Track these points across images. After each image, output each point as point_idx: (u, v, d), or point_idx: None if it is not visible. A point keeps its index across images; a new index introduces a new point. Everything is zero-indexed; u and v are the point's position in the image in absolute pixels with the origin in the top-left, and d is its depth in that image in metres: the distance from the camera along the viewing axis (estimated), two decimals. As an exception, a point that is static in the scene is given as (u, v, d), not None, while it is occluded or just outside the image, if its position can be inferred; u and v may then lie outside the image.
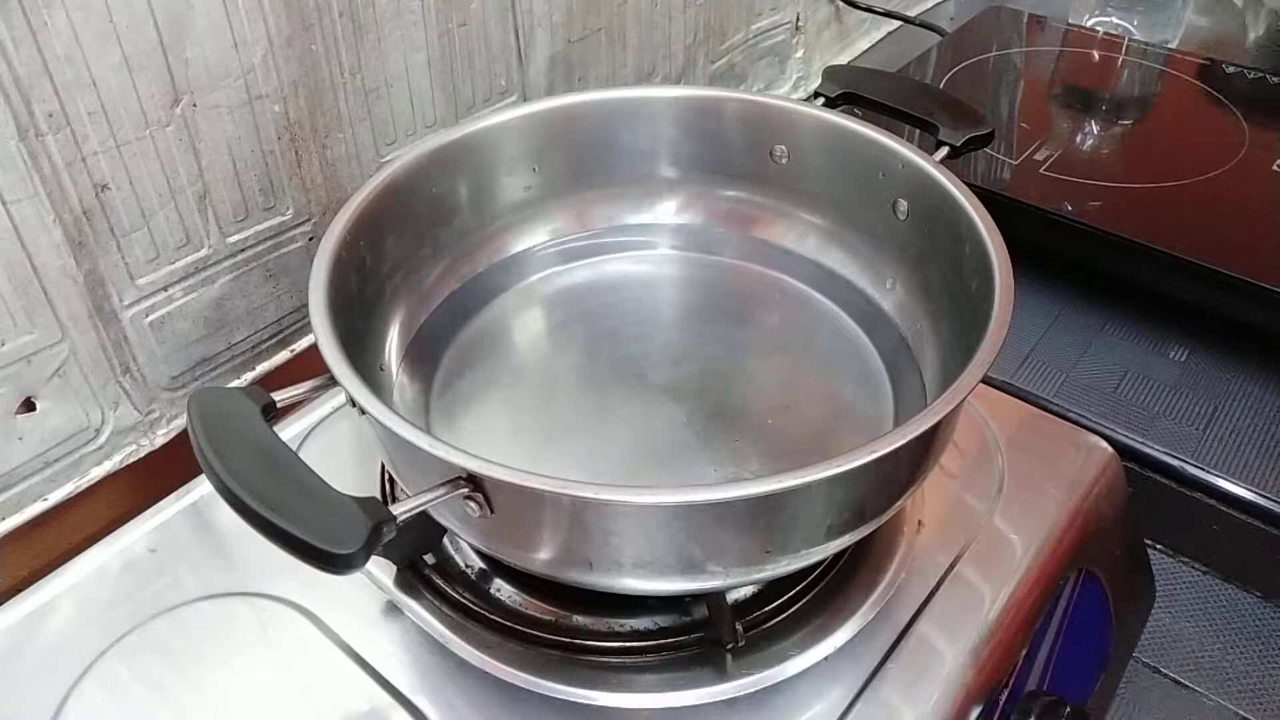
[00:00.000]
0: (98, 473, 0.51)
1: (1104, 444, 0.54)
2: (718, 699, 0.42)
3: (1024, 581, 0.47)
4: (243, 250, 0.53)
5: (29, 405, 0.47)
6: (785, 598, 0.45)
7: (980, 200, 0.47)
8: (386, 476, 0.51)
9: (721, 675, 0.42)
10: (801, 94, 0.88)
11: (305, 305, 0.43)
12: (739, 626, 0.43)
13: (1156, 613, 0.61)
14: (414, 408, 0.50)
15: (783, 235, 0.60)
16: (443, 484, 0.36)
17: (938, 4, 1.03)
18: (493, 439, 0.49)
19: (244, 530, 0.33)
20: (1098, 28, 0.93)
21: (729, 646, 0.43)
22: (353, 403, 0.38)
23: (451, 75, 0.59)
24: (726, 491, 0.36)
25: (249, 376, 0.56)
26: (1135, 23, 0.94)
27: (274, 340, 0.57)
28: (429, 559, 0.47)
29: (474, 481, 0.36)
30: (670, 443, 0.48)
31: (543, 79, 0.64)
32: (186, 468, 0.51)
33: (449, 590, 0.46)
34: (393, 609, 0.46)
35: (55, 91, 0.42)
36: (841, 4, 0.90)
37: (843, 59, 0.93)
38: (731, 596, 0.45)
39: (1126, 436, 0.60)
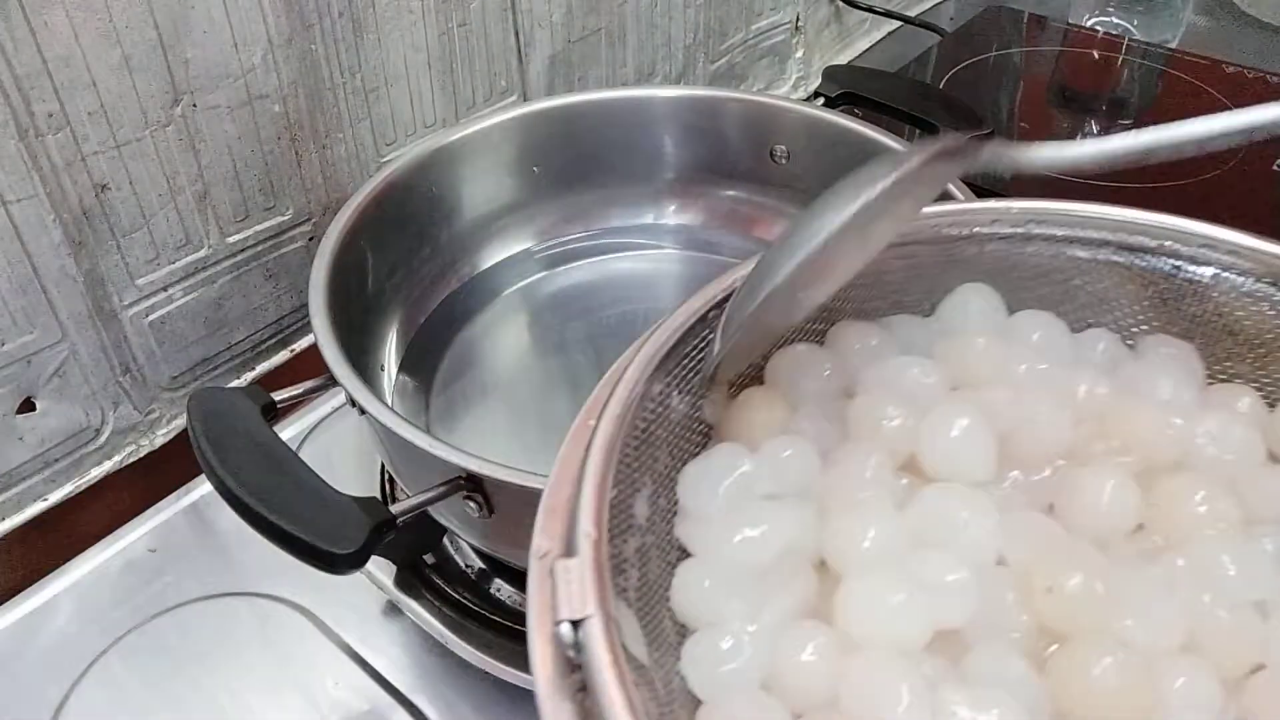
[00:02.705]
0: (98, 473, 0.51)
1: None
2: (718, 699, 0.42)
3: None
4: (243, 250, 0.53)
5: (29, 405, 0.47)
6: (785, 598, 0.45)
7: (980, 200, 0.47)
8: (386, 476, 0.51)
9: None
10: (801, 94, 0.88)
11: (305, 305, 0.43)
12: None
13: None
14: (414, 408, 0.50)
15: (783, 235, 0.60)
16: (442, 484, 0.36)
17: (938, 4, 1.03)
18: (493, 439, 0.49)
19: (244, 530, 0.33)
20: (1098, 28, 0.93)
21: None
22: (353, 403, 0.38)
23: (451, 75, 0.59)
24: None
25: (249, 376, 0.56)
26: (1135, 23, 0.94)
27: (274, 340, 0.57)
28: (429, 559, 0.47)
29: (474, 481, 0.36)
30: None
31: (543, 79, 0.64)
32: (186, 468, 0.51)
33: (449, 590, 0.46)
34: (393, 609, 0.46)
35: (55, 91, 0.42)
36: (841, 4, 0.90)
37: (843, 59, 0.93)
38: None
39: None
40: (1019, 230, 0.33)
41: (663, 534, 0.27)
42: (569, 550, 0.23)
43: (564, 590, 0.22)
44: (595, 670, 0.21)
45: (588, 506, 0.24)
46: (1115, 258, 0.32)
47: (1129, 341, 0.32)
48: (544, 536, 0.24)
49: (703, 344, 0.30)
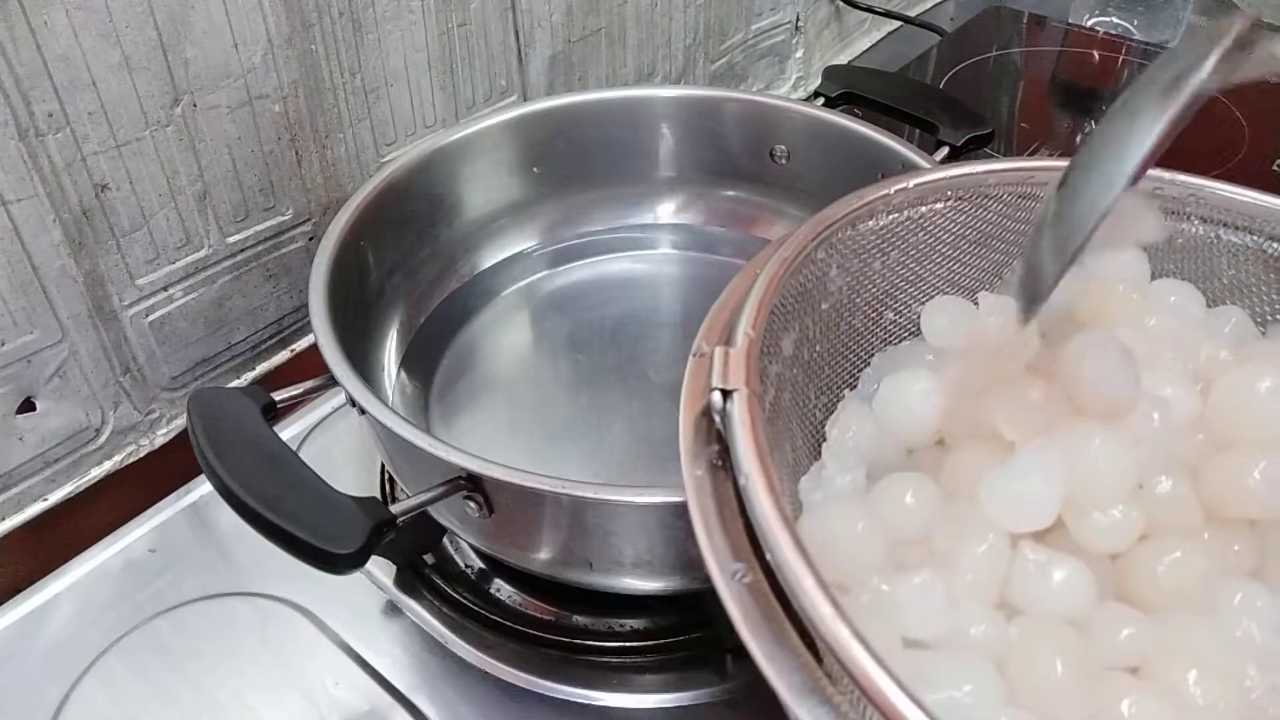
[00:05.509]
0: (98, 473, 0.51)
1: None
2: (718, 699, 0.42)
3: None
4: (243, 250, 0.53)
5: (29, 405, 0.47)
6: (785, 598, 0.45)
7: (980, 200, 0.47)
8: (386, 476, 0.51)
9: (721, 675, 0.42)
10: (801, 94, 0.88)
11: (305, 305, 0.43)
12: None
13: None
14: (414, 408, 0.50)
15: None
16: (442, 484, 0.36)
17: (938, 4, 1.03)
18: (492, 439, 0.49)
19: (244, 530, 0.33)
20: (1098, 28, 0.93)
21: (729, 646, 0.43)
22: (353, 403, 0.38)
23: (451, 75, 0.59)
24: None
25: (249, 376, 0.56)
26: (1135, 23, 0.94)
27: (274, 340, 0.57)
28: (429, 559, 0.47)
29: (474, 481, 0.36)
30: (670, 443, 0.48)
31: (543, 79, 0.64)
32: (186, 468, 0.51)
33: (449, 590, 0.46)
34: (393, 609, 0.46)
35: (55, 91, 0.42)
36: (841, 4, 0.90)
37: (843, 59, 0.93)
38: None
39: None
40: (1177, 199, 0.35)
41: (798, 375, 0.31)
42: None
43: (719, 369, 0.26)
44: (735, 424, 0.24)
45: (749, 314, 0.28)
46: (1264, 246, 0.34)
47: (1261, 327, 0.34)
48: (704, 341, 0.29)
49: (869, 232, 0.33)
